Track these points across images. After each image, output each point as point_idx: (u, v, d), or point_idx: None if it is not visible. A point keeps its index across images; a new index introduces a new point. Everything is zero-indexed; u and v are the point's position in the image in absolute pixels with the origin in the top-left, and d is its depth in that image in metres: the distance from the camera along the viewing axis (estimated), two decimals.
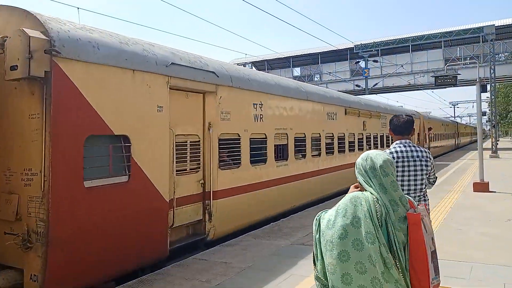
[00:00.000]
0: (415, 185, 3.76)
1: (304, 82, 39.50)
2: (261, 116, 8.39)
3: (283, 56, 44.57)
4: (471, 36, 33.67)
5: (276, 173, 8.85)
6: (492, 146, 29.06)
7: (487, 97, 35.92)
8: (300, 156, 10.07)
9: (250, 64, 44.28)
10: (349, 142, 13.25)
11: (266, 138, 8.54)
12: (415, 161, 3.75)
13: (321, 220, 2.16)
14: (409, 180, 3.75)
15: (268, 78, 9.19)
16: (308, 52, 44.02)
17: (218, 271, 5.49)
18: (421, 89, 40.44)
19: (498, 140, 47.57)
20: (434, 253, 2.08)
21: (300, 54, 44.82)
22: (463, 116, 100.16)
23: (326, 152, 11.45)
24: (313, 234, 2.22)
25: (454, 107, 79.05)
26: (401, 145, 3.82)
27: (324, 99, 11.57)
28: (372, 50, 35.18)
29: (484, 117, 40.79)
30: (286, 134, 9.32)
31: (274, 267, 5.57)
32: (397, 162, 3.71)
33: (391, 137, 4.11)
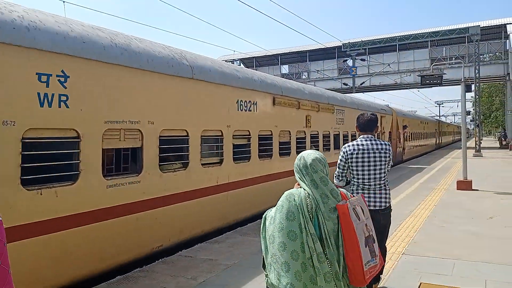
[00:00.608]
0: (375, 174, 4.15)
1: (292, 79, 39.47)
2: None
3: (271, 54, 44.59)
4: (456, 36, 34.18)
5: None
6: (475, 145, 29.54)
7: (471, 96, 36.58)
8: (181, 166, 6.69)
9: (238, 61, 44.17)
10: (282, 143, 9.85)
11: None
12: (374, 153, 4.16)
13: (266, 218, 2.43)
14: (369, 170, 4.15)
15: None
16: (296, 50, 44.13)
17: (204, 268, 5.47)
18: (407, 88, 40.91)
19: (481, 139, 48.21)
20: (369, 237, 2.33)
21: (288, 51, 44.91)
22: (448, 115, 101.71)
23: (236, 158, 8.01)
24: (261, 233, 2.45)
25: (439, 106, 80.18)
26: (363, 140, 4.26)
27: (232, 80, 7.95)
28: (359, 49, 35.41)
29: (468, 116, 41.35)
30: (140, 131, 5.76)
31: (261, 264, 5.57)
32: (357, 153, 4.16)
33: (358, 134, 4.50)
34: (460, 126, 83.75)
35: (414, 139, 28.95)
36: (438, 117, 71.96)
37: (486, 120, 68.69)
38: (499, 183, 13.39)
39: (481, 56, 36.47)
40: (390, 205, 4.23)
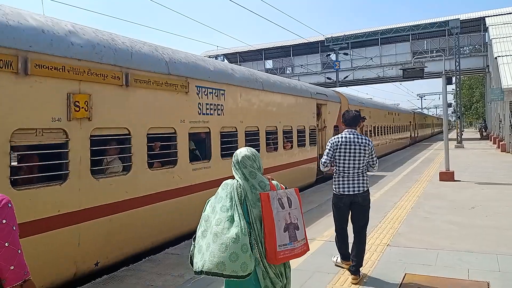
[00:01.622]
0: (354, 163, 4.76)
1: (277, 74, 39.50)
2: None
3: (255, 49, 44.53)
4: (437, 29, 34.63)
5: None
6: (457, 137, 30.09)
7: (452, 89, 37.11)
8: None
9: (222, 56, 43.97)
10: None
11: None
12: (355, 145, 4.77)
13: (207, 203, 2.86)
14: (349, 159, 4.76)
15: None
16: (280, 45, 44.16)
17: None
18: (390, 82, 41.36)
19: (463, 131, 49.06)
20: (291, 224, 2.73)
21: (272, 46, 44.91)
22: (430, 108, 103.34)
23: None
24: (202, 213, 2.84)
25: (421, 99, 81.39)
26: (347, 133, 4.86)
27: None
28: (342, 43, 35.64)
29: (450, 108, 41.96)
30: None
31: None
32: (341, 145, 4.78)
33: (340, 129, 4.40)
34: (440, 118, 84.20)
35: (379, 134, 23.58)
36: (421, 110, 72.94)
37: (467, 112, 70.07)
38: (480, 173, 13.69)
39: (462, 49, 37.11)
40: (368, 189, 4.88)
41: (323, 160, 4.84)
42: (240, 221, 2.59)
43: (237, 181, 2.81)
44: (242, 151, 2.89)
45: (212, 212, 2.72)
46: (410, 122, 36.71)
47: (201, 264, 2.61)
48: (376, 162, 4.95)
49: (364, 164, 4.80)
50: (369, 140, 4.85)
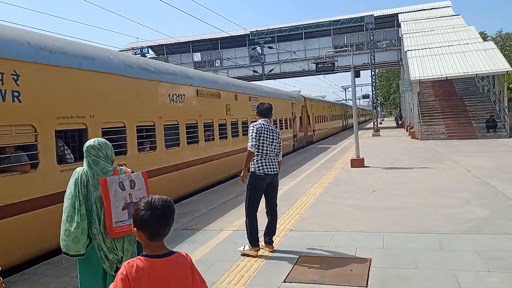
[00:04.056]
0: (272, 147, 5.39)
1: (205, 67, 39.01)
2: None
3: (183, 41, 43.81)
4: (355, 24, 36.55)
5: None
6: (374, 126, 32.12)
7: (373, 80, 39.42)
8: None
9: (147, 48, 42.67)
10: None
11: None
12: (272, 132, 5.45)
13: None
14: (269, 144, 5.36)
15: None
16: (208, 37, 43.86)
17: None
18: (313, 75, 42.98)
19: (383, 120, 51.84)
20: (130, 203, 3.10)
21: (200, 39, 44.47)
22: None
23: None
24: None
25: (345, 91, 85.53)
26: (264, 121, 5.49)
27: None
28: (267, 37, 36.30)
29: (367, 99, 44.63)
30: None
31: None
32: (262, 130, 5.34)
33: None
34: (364, 109, 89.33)
35: (323, 121, 31.79)
36: (345, 101, 76.81)
37: (386, 102, 75.07)
38: (388, 159, 14.82)
39: (379, 43, 39.58)
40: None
41: (253, 143, 5.25)
42: (80, 207, 3.05)
43: (83, 168, 3.18)
44: (90, 141, 3.23)
45: (66, 198, 3.12)
46: (342, 113, 45.85)
47: (62, 246, 3.07)
48: (281, 152, 5.63)
49: (277, 150, 5.50)
50: (279, 133, 5.63)
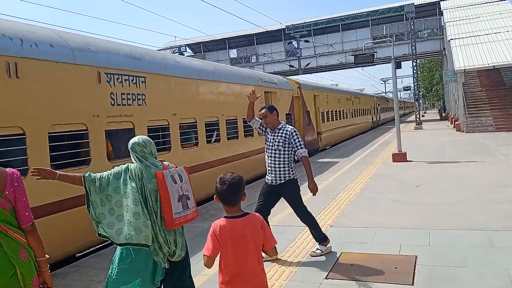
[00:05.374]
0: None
1: (241, 63, 39.21)
2: None
3: (219, 38, 44.18)
4: (394, 14, 35.41)
5: None
6: (416, 119, 31.08)
7: (414, 72, 38.10)
8: None
9: (185, 47, 43.41)
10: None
11: None
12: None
13: (95, 179, 3.19)
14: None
15: None
16: (244, 34, 43.99)
17: None
18: (351, 67, 42.08)
19: (425, 112, 49.71)
20: (183, 196, 3.24)
21: (235, 35, 44.67)
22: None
23: None
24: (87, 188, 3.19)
25: (384, 83, 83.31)
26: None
27: None
28: (303, 31, 35.92)
29: (408, 91, 42.94)
30: None
31: (196, 248, 5.66)
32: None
33: None
34: (404, 101, 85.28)
35: (337, 119, 23.08)
36: (384, 93, 74.67)
37: (429, 94, 72.38)
38: (432, 153, 14.27)
39: (420, 33, 38.16)
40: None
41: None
42: (141, 205, 3.12)
43: (134, 163, 3.27)
44: (134, 139, 3.33)
45: (114, 192, 3.17)
46: (372, 106, 37.18)
47: (123, 237, 3.08)
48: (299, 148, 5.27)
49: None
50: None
